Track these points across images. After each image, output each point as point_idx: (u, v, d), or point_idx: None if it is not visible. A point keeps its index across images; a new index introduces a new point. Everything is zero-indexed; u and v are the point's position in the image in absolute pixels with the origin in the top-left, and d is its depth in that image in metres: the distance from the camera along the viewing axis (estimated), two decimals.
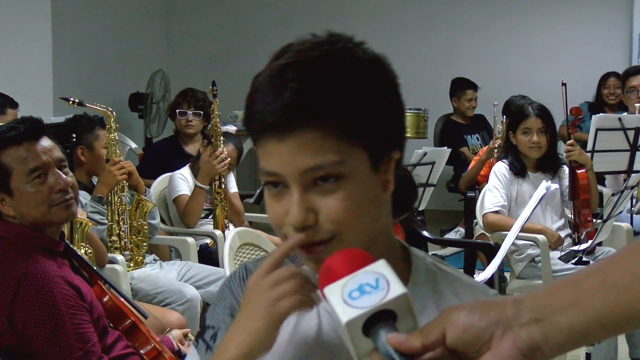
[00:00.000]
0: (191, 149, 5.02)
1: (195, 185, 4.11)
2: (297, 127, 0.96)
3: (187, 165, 4.36)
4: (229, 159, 4.15)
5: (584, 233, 3.89)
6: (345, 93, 0.97)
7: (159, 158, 5.08)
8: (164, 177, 4.42)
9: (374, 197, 1.02)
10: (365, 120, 0.99)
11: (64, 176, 2.29)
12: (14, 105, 4.73)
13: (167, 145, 5.27)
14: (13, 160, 2.25)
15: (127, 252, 3.63)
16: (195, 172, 4.20)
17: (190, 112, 5.00)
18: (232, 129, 6.09)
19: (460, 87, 6.64)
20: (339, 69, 0.98)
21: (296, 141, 0.96)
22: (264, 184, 1.02)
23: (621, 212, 4.13)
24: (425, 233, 4.14)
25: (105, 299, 2.38)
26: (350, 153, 0.98)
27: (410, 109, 5.97)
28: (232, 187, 4.40)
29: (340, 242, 0.99)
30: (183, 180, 4.24)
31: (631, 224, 4.31)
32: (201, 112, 4.99)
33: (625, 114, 4.96)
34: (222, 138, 4.16)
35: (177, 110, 5.04)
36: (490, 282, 3.22)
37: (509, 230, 3.40)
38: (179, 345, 2.64)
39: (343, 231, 0.99)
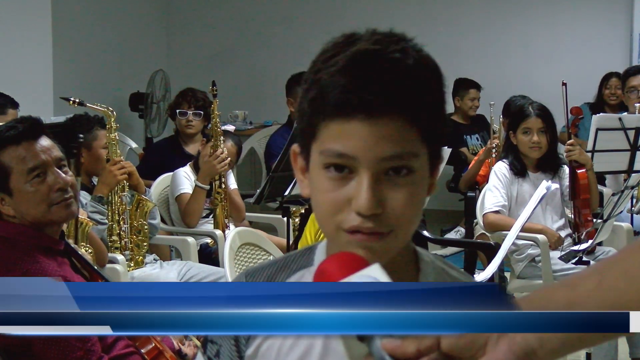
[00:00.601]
0: (191, 149, 5.01)
1: (196, 185, 4.11)
2: (389, 112, 0.94)
3: (188, 164, 4.35)
4: (229, 158, 4.15)
5: (584, 233, 3.88)
6: (429, 88, 0.98)
7: (159, 158, 5.07)
8: (165, 177, 4.41)
9: (424, 198, 1.02)
10: (437, 118, 0.99)
11: (63, 175, 2.30)
12: (15, 105, 4.72)
13: (167, 145, 5.26)
14: (12, 159, 2.26)
15: (127, 252, 3.63)
16: (196, 171, 4.20)
17: (191, 112, 4.99)
18: (230, 127, 6.09)
19: (464, 86, 6.62)
20: (422, 65, 0.98)
21: (385, 126, 0.94)
22: (326, 166, 0.97)
23: (621, 212, 4.13)
24: (425, 233, 4.14)
25: None
26: (421, 149, 0.97)
27: None
28: (232, 183, 4.40)
29: (395, 237, 0.97)
30: (186, 179, 4.23)
31: (631, 224, 4.31)
32: (201, 112, 4.99)
33: (625, 113, 4.94)
34: (222, 138, 4.16)
35: (177, 110, 5.03)
36: (490, 282, 3.22)
37: (509, 230, 3.40)
38: (180, 344, 2.64)
39: (400, 227, 0.98)
